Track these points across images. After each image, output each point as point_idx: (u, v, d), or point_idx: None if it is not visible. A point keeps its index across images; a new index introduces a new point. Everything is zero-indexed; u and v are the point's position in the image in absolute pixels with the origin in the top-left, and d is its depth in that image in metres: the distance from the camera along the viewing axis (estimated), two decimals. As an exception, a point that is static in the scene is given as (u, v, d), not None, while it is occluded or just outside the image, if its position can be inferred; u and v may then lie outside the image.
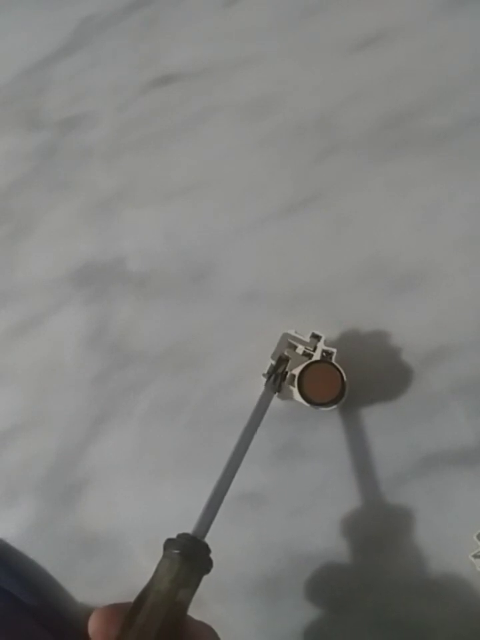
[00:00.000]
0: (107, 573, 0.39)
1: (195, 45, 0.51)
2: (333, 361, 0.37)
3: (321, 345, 0.37)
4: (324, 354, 0.37)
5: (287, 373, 0.37)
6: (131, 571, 0.39)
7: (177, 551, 0.25)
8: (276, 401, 0.38)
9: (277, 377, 0.37)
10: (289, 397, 0.38)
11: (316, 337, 0.38)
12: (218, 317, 0.43)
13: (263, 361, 0.38)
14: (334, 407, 0.37)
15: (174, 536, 0.27)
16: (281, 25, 0.50)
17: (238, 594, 0.37)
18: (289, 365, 0.37)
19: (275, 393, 0.37)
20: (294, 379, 0.37)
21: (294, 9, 0.50)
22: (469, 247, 0.41)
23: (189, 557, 0.25)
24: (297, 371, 0.37)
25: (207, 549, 0.27)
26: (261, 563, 0.37)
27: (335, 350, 0.37)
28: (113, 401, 0.43)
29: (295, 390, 0.37)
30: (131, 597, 0.38)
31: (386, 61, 0.46)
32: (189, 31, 0.51)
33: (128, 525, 0.40)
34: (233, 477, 0.30)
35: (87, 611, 0.38)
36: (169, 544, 0.26)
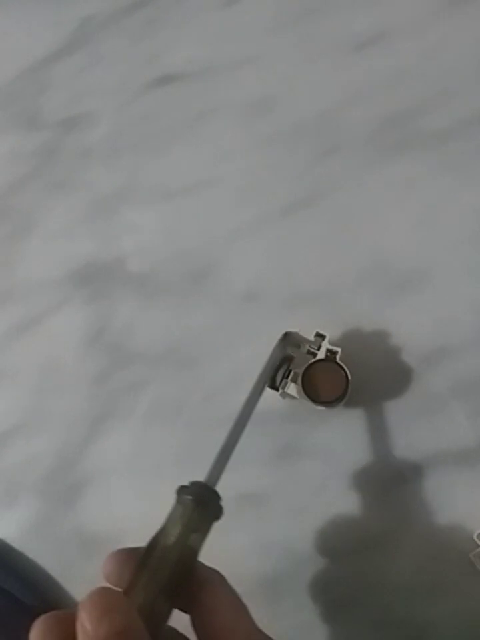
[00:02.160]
0: (107, 573, 0.39)
1: (195, 45, 0.51)
2: (337, 359, 0.37)
3: (325, 344, 0.37)
4: (328, 353, 0.37)
5: (290, 371, 0.37)
6: (131, 571, 0.38)
7: (189, 497, 0.26)
8: (276, 401, 0.38)
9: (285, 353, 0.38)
10: (293, 395, 0.38)
11: (320, 336, 0.38)
12: (218, 317, 0.43)
13: (263, 362, 0.38)
14: (338, 405, 0.37)
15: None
16: (281, 25, 0.50)
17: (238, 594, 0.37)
18: (293, 363, 0.37)
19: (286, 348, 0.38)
20: (298, 377, 0.37)
21: (294, 9, 0.50)
22: (469, 247, 0.41)
23: (201, 502, 0.26)
24: (301, 370, 0.37)
25: (217, 496, 0.27)
26: (261, 563, 0.37)
27: (339, 349, 0.37)
28: (113, 401, 0.43)
29: (299, 388, 0.37)
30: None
31: (386, 61, 0.46)
32: (189, 31, 0.51)
33: (128, 525, 0.40)
34: (244, 426, 0.31)
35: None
36: (181, 490, 0.27)
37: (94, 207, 0.48)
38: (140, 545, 0.26)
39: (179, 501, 0.27)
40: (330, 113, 0.46)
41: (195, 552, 0.26)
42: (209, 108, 0.49)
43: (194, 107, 0.49)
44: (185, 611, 0.25)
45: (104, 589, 0.23)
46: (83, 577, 0.40)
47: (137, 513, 0.40)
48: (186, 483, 0.27)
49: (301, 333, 0.38)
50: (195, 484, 0.27)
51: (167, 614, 0.24)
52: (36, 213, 0.49)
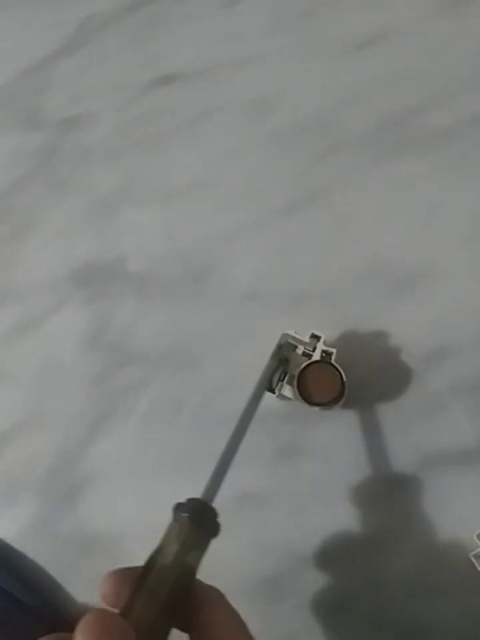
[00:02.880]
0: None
1: (195, 44, 0.51)
2: (333, 361, 0.37)
3: (320, 345, 0.37)
4: (323, 354, 0.37)
5: (286, 373, 0.37)
6: (131, 571, 0.38)
7: (186, 514, 0.26)
8: (276, 401, 0.38)
9: (281, 356, 0.37)
10: (289, 397, 0.38)
11: (315, 337, 0.38)
12: (218, 317, 0.43)
13: (262, 361, 0.38)
14: (333, 407, 0.37)
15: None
16: (281, 25, 0.50)
17: (238, 594, 0.37)
18: (288, 365, 0.37)
19: (279, 360, 0.37)
20: (293, 379, 0.37)
21: (294, 9, 0.50)
22: (469, 247, 0.41)
23: (198, 520, 0.26)
24: (296, 371, 0.37)
25: (214, 513, 0.27)
26: (261, 563, 0.37)
27: (334, 350, 0.37)
28: (113, 401, 0.43)
29: (295, 390, 0.37)
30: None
31: (386, 61, 0.46)
32: (189, 30, 0.51)
33: (128, 524, 0.40)
34: (240, 442, 0.30)
35: (87, 611, 0.38)
36: (178, 507, 0.26)
37: (94, 207, 0.48)
38: (139, 553, 0.26)
39: (175, 518, 0.26)
40: (330, 113, 0.46)
41: (193, 570, 0.25)
42: (209, 108, 0.49)
43: (194, 106, 0.49)
44: (184, 630, 0.25)
45: (101, 610, 0.22)
46: (82, 577, 0.40)
47: (137, 512, 0.40)
48: (182, 499, 0.27)
49: (298, 334, 0.38)
50: (191, 501, 0.27)
51: (166, 634, 0.24)
52: (36, 213, 0.49)
